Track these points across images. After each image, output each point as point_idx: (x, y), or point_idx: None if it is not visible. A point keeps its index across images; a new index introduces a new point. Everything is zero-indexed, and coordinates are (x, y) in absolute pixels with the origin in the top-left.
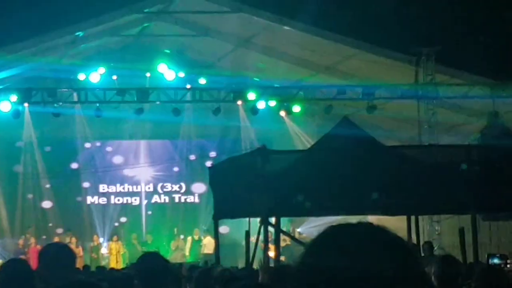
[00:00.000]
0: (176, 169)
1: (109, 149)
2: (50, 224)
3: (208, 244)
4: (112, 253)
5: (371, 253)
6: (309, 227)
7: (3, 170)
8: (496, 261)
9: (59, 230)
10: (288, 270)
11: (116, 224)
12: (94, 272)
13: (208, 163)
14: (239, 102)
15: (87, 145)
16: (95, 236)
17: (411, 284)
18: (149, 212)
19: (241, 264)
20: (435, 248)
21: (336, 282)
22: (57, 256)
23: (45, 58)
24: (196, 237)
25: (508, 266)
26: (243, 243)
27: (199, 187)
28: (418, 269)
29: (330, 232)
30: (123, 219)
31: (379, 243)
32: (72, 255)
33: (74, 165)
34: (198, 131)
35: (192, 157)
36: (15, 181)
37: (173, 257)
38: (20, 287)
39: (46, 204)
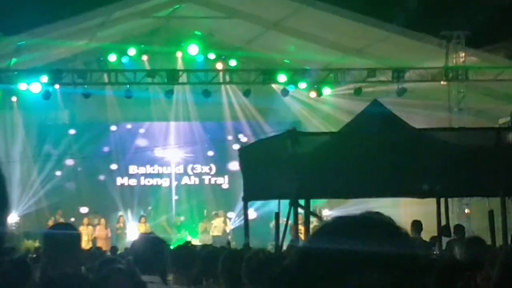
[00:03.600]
0: (206, 151)
1: (140, 130)
2: (79, 206)
3: (218, 227)
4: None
5: (366, 239)
6: (341, 210)
7: (34, 151)
8: None
9: (88, 212)
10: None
11: (146, 205)
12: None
13: (238, 145)
14: (272, 85)
15: (117, 126)
16: (120, 218)
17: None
18: (178, 195)
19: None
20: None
21: (333, 266)
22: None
23: (75, 41)
24: (222, 219)
25: None
26: (271, 225)
27: (231, 167)
28: (417, 256)
29: (331, 222)
30: (152, 201)
31: (375, 231)
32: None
33: (104, 147)
34: (228, 113)
35: (222, 139)
36: (45, 162)
37: (201, 239)
38: (68, 249)
39: (74, 185)
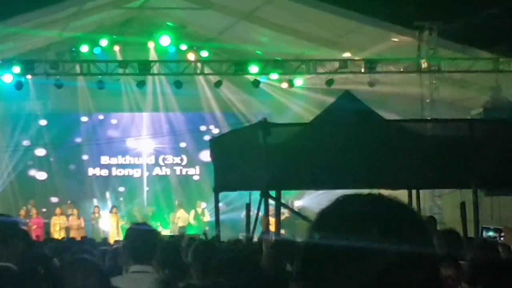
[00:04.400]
0: (178, 142)
1: (112, 121)
2: (51, 197)
3: (181, 217)
4: (112, 225)
5: (385, 226)
6: (308, 200)
7: (5, 141)
8: (490, 234)
9: (59, 202)
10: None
11: (117, 196)
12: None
13: (209, 136)
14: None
15: (89, 117)
16: (95, 208)
17: (424, 261)
18: (149, 186)
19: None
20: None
21: (346, 256)
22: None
23: (48, 31)
24: (199, 210)
25: (502, 239)
26: (242, 215)
27: (202, 158)
28: (433, 247)
29: (340, 204)
30: (123, 191)
31: (395, 216)
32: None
33: (76, 137)
34: (199, 104)
35: (193, 130)
36: (16, 152)
37: (172, 230)
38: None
39: (46, 175)
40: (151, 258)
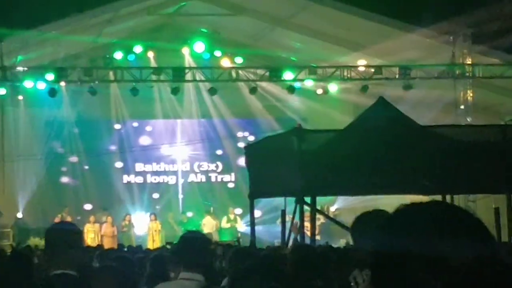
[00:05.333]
0: (213, 148)
1: (146, 128)
2: (84, 204)
3: (207, 224)
4: (149, 233)
5: (451, 234)
6: (342, 205)
7: (39, 148)
8: None
9: (94, 209)
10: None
11: (153, 203)
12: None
13: (244, 143)
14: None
15: (123, 124)
16: (127, 216)
17: (491, 272)
18: (184, 192)
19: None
20: None
21: (412, 263)
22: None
23: (82, 37)
24: (231, 216)
25: None
26: (278, 222)
27: (238, 165)
28: (497, 256)
29: (406, 212)
30: (158, 198)
31: (461, 224)
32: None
33: (110, 144)
34: (235, 111)
35: (229, 136)
36: (50, 159)
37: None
38: (67, 247)
39: (79, 183)
40: (202, 266)
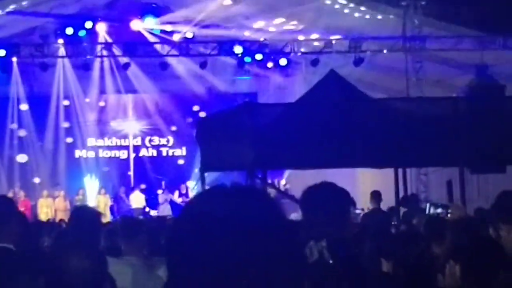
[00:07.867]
0: (163, 123)
1: (99, 103)
2: (37, 179)
3: (135, 198)
4: (99, 206)
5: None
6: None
7: None
8: (439, 210)
9: (46, 184)
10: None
11: (106, 178)
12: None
13: (193, 118)
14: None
15: (75, 99)
16: (81, 190)
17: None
18: (135, 166)
19: None
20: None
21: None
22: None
23: (34, 14)
24: (183, 191)
25: (449, 215)
26: None
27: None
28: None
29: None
30: (109, 172)
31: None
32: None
33: (62, 120)
34: (185, 86)
35: (179, 111)
36: (1, 135)
37: (161, 210)
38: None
39: (27, 158)
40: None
